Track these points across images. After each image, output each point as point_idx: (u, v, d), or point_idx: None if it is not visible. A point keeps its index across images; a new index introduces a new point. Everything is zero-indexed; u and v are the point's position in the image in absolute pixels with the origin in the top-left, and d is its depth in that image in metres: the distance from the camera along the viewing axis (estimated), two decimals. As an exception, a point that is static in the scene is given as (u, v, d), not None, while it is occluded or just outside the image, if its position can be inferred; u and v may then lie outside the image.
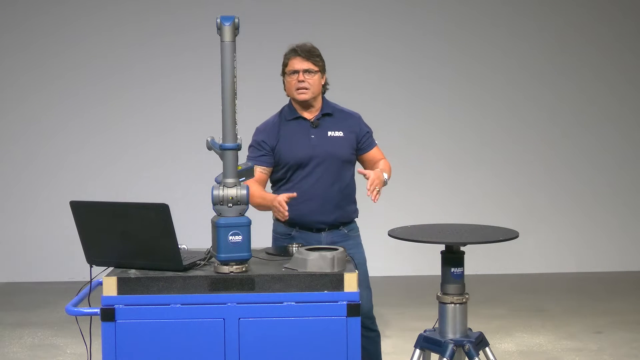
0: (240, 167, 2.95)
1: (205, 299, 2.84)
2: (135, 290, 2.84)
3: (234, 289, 2.85)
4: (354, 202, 3.82)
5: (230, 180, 2.90)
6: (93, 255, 2.97)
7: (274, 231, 3.79)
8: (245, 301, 2.84)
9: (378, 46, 7.76)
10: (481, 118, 7.88)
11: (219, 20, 2.91)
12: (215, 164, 3.18)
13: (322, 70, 3.70)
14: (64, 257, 7.22)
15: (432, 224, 3.66)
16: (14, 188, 7.65)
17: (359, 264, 3.50)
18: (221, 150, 2.92)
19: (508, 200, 7.86)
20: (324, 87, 3.75)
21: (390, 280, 7.42)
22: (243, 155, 3.12)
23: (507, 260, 7.74)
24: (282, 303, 2.86)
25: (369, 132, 3.84)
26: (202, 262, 3.02)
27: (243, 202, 2.88)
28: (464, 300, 3.31)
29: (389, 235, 3.37)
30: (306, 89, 3.64)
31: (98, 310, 2.85)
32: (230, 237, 2.85)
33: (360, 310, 2.88)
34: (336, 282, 2.87)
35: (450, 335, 3.31)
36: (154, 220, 2.84)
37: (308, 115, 3.72)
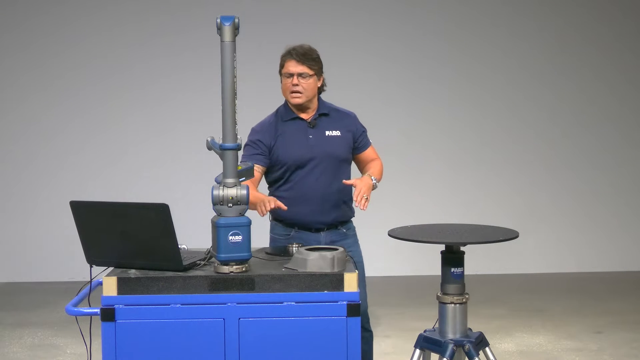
0: (240, 167, 2.95)
1: (205, 299, 2.84)
2: (135, 290, 2.84)
3: (234, 289, 2.85)
4: (351, 200, 3.82)
5: (230, 180, 2.90)
6: (93, 255, 2.97)
7: (271, 232, 3.78)
8: (245, 301, 2.84)
9: (378, 46, 7.76)
10: (481, 118, 7.88)
11: (219, 20, 2.91)
12: (215, 164, 3.18)
13: (318, 73, 3.68)
14: (64, 257, 7.22)
15: (432, 224, 3.66)
16: (14, 188, 7.65)
17: (357, 262, 3.50)
18: (221, 150, 2.92)
19: (508, 200, 7.86)
20: (321, 89, 3.74)
21: (390, 280, 7.42)
22: (243, 156, 3.12)
23: (507, 260, 7.73)
24: (282, 303, 2.86)
25: (364, 132, 3.84)
26: (202, 262, 3.02)
27: (243, 202, 2.88)
28: (464, 300, 3.31)
29: (389, 235, 3.37)
30: (300, 93, 3.62)
31: (98, 310, 2.85)
32: (230, 237, 2.86)
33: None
34: (336, 282, 2.87)
35: (450, 335, 3.31)
36: (154, 220, 2.84)
37: (304, 115, 3.71)
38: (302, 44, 3.69)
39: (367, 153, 3.84)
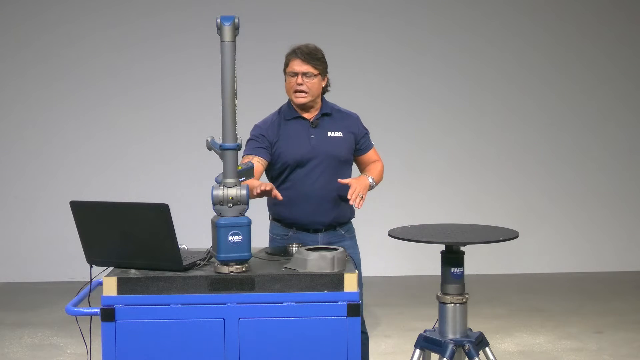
0: (240, 167, 2.95)
1: (205, 299, 2.84)
2: (135, 290, 2.84)
3: (234, 289, 2.85)
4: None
5: (230, 180, 2.90)
6: (93, 255, 2.97)
7: (270, 232, 3.78)
8: (245, 301, 2.84)
9: (378, 45, 7.76)
10: (481, 118, 7.88)
11: (219, 20, 2.90)
12: (215, 164, 3.18)
13: (323, 73, 3.67)
14: (64, 257, 7.22)
15: (432, 224, 3.66)
16: (13, 188, 7.65)
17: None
18: (221, 150, 2.91)
19: (508, 200, 7.86)
20: (325, 89, 3.73)
21: (390, 280, 7.43)
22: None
23: (507, 260, 7.74)
24: (282, 303, 2.85)
25: (367, 134, 3.83)
26: (202, 262, 3.02)
27: (243, 202, 2.88)
28: (464, 300, 3.31)
29: (389, 235, 3.37)
30: (304, 92, 3.61)
31: (98, 310, 2.84)
32: (230, 237, 2.85)
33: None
34: (336, 282, 2.87)
35: (450, 335, 3.31)
36: (154, 220, 2.84)
37: (307, 115, 3.71)
38: (308, 43, 3.68)
39: (369, 155, 3.83)
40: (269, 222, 3.80)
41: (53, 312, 6.30)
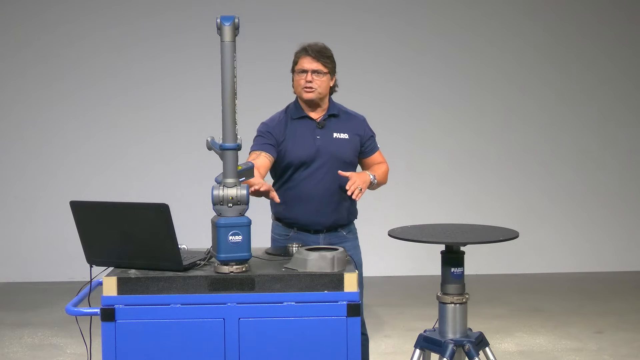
0: (240, 167, 2.94)
1: (205, 299, 2.84)
2: (135, 290, 2.83)
3: (234, 289, 2.85)
4: (354, 204, 3.80)
5: (230, 180, 2.89)
6: (93, 255, 2.97)
7: (272, 232, 3.78)
8: (245, 301, 2.84)
9: (378, 46, 7.76)
10: (481, 118, 7.88)
11: (219, 20, 2.90)
12: (215, 164, 3.18)
13: (332, 72, 3.67)
14: (64, 257, 7.22)
15: (432, 224, 3.66)
16: (13, 188, 7.65)
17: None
18: (221, 150, 2.91)
19: (508, 200, 7.86)
20: (333, 89, 3.73)
21: (390, 280, 7.43)
22: (243, 156, 3.11)
23: (507, 260, 7.74)
24: (282, 303, 2.85)
25: (372, 136, 3.82)
26: (202, 262, 3.02)
27: (243, 202, 2.88)
28: (464, 300, 3.31)
29: (389, 235, 3.36)
30: (313, 88, 3.61)
31: (98, 310, 2.84)
32: (230, 237, 2.85)
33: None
34: (336, 282, 2.87)
35: (450, 335, 3.31)
36: (154, 220, 2.83)
37: (314, 115, 3.69)
38: (317, 42, 3.68)
39: (374, 158, 3.82)
40: (271, 222, 3.80)
41: (53, 312, 6.30)
